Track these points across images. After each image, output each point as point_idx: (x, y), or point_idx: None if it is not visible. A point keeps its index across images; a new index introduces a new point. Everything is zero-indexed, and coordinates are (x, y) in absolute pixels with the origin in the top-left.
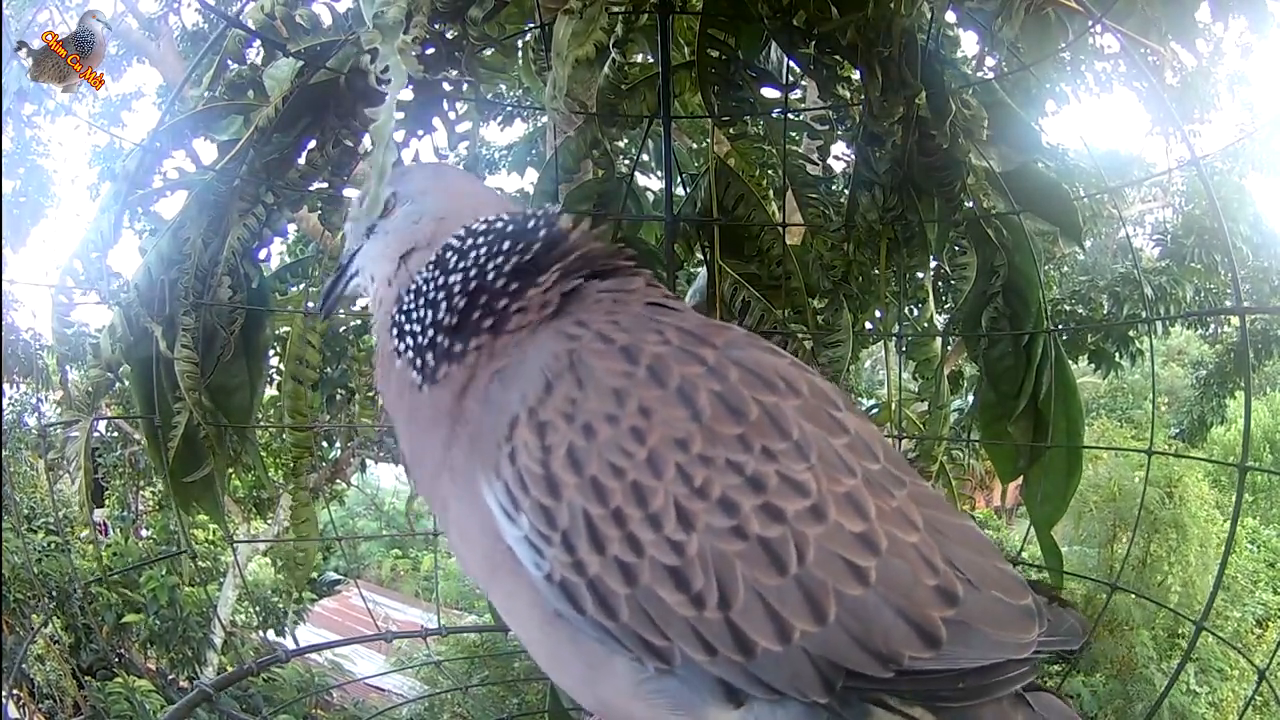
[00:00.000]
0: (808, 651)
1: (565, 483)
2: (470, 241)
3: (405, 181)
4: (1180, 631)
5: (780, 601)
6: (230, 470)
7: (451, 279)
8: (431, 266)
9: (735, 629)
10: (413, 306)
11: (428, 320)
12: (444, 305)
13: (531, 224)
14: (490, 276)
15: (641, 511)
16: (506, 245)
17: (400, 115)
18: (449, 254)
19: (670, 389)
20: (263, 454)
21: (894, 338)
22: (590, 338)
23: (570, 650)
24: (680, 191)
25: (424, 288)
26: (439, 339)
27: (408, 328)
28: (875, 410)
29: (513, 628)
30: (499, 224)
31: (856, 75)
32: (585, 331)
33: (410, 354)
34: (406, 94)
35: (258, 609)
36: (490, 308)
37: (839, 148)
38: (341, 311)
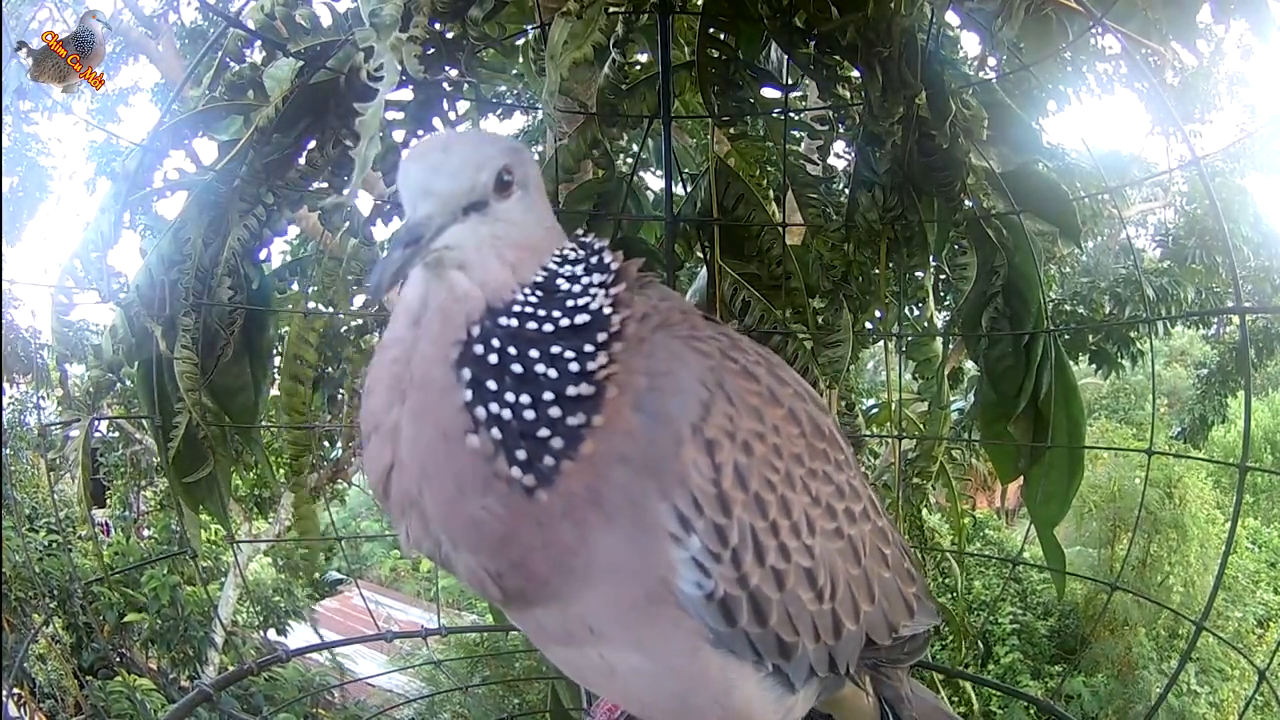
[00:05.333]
0: (862, 629)
1: (735, 499)
2: (573, 270)
3: (521, 162)
4: (1181, 632)
5: (857, 588)
6: (232, 470)
7: (578, 318)
8: (539, 295)
9: (835, 617)
10: (522, 355)
11: (553, 382)
12: (573, 360)
13: (595, 249)
14: (598, 306)
15: (788, 521)
16: (598, 262)
17: (400, 115)
18: (562, 282)
19: (784, 409)
20: (268, 454)
21: (894, 338)
22: (720, 357)
23: (717, 668)
24: (680, 191)
25: (540, 324)
26: (565, 417)
27: (513, 398)
28: (875, 410)
29: (644, 664)
30: (582, 251)
31: (856, 75)
32: (713, 349)
33: (517, 444)
34: (406, 94)
35: (259, 609)
36: (608, 331)
37: (839, 148)
38: (340, 312)
